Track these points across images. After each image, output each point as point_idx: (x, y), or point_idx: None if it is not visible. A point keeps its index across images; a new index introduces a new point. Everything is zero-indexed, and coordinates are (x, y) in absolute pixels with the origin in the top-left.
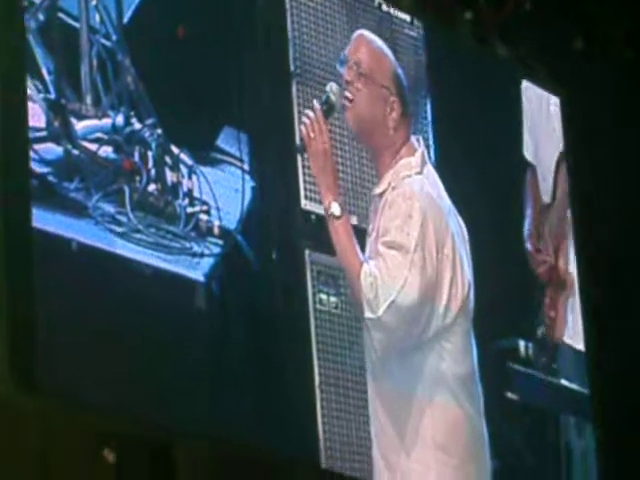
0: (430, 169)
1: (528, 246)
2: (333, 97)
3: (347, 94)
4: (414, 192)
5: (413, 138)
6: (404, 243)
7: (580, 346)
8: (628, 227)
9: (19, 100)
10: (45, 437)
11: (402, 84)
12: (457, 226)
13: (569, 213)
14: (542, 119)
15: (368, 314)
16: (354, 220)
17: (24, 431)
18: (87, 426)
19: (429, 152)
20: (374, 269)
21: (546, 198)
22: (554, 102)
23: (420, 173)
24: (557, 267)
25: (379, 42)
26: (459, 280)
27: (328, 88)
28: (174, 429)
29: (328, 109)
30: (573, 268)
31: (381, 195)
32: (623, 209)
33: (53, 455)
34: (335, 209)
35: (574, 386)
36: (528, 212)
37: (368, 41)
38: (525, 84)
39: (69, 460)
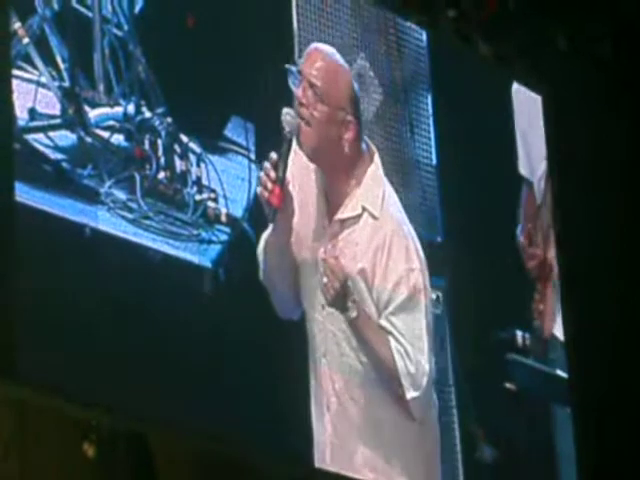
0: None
1: (521, 239)
2: (288, 127)
3: (302, 115)
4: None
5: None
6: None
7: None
8: (601, 224)
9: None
10: (24, 430)
11: (357, 99)
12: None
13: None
14: (533, 124)
15: (412, 394)
16: None
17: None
18: (67, 419)
19: (429, 147)
20: (403, 343)
21: (538, 200)
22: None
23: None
24: (546, 260)
25: (335, 55)
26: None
27: (284, 118)
28: (165, 420)
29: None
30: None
31: (346, 220)
32: (601, 206)
33: (32, 448)
34: (352, 312)
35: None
36: (521, 216)
37: (324, 56)
38: (515, 87)
39: (48, 454)
